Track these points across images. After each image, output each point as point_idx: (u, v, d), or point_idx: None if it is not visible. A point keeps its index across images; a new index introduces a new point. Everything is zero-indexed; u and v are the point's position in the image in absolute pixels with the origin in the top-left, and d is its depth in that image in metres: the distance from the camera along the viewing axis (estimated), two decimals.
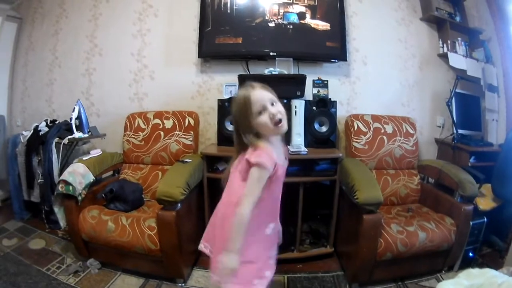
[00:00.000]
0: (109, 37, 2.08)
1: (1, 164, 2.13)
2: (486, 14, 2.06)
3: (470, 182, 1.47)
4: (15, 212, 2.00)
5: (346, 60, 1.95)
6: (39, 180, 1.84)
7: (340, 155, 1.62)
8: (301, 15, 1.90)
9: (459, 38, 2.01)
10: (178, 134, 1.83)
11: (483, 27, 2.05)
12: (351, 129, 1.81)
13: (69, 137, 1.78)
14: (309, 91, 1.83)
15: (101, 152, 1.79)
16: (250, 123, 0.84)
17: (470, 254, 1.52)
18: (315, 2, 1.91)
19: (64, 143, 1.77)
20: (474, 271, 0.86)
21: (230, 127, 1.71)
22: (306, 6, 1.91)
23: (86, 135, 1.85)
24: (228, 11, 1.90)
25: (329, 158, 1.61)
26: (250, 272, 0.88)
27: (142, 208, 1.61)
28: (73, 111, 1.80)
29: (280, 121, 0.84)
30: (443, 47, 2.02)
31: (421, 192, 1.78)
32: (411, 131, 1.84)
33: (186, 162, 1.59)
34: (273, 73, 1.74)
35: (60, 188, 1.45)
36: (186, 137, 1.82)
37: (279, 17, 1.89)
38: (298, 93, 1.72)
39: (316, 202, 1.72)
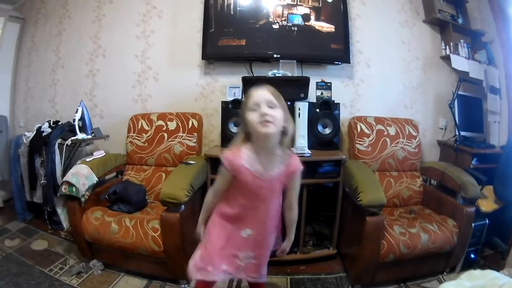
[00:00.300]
0: (113, 38, 2.08)
1: (4, 165, 2.13)
2: (488, 16, 2.07)
3: (472, 184, 1.48)
4: (17, 213, 2.00)
5: (349, 62, 1.95)
6: (42, 181, 1.84)
7: (344, 157, 1.63)
8: (306, 17, 1.89)
9: (462, 40, 2.02)
10: (182, 136, 1.83)
11: (485, 29, 2.06)
12: (354, 131, 1.81)
13: (72, 138, 1.78)
14: (313, 93, 1.83)
15: (105, 154, 1.79)
16: (244, 118, 0.87)
17: (472, 256, 1.52)
18: (319, 4, 1.90)
19: (67, 144, 1.77)
20: (476, 273, 0.86)
21: (233, 129, 1.72)
22: (310, 8, 1.90)
23: (89, 136, 1.85)
24: (232, 13, 1.89)
25: (332, 160, 1.61)
26: (207, 253, 0.95)
27: (146, 210, 1.61)
28: (76, 112, 1.80)
29: (266, 122, 0.83)
30: (445, 49, 2.02)
31: (424, 194, 1.78)
32: (414, 133, 1.85)
33: (190, 163, 1.59)
34: (277, 75, 1.75)
35: (64, 189, 1.45)
36: (190, 138, 1.83)
37: (283, 19, 1.88)
38: (302, 95, 1.73)
39: (320, 204, 1.73)
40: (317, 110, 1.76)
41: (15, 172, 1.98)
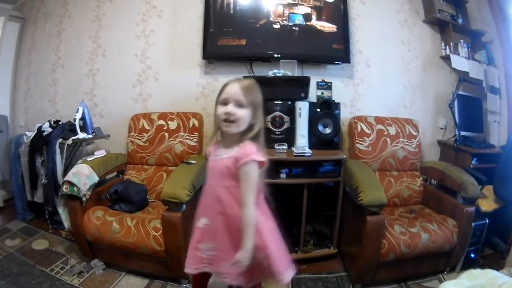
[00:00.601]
0: (113, 38, 2.07)
1: (4, 164, 2.13)
2: (488, 16, 2.07)
3: (472, 184, 1.49)
4: (18, 213, 2.00)
5: (349, 62, 1.95)
6: (43, 181, 1.84)
7: (344, 156, 1.63)
8: (307, 17, 1.88)
9: (462, 40, 2.02)
10: (183, 135, 1.83)
11: (485, 29, 2.06)
12: (354, 131, 1.81)
13: (73, 137, 1.78)
14: (313, 93, 1.84)
15: (105, 153, 1.79)
16: (215, 108, 0.92)
17: (472, 255, 1.53)
18: (320, 3, 1.89)
19: (68, 144, 1.77)
20: (476, 272, 0.87)
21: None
22: (311, 7, 1.89)
23: (90, 136, 1.85)
24: (231, 12, 1.87)
25: (333, 159, 1.62)
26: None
27: (147, 209, 1.62)
28: (77, 111, 1.80)
29: (229, 121, 0.87)
30: (445, 49, 2.02)
31: (424, 194, 1.79)
32: (414, 133, 1.85)
33: (191, 163, 1.60)
34: (277, 75, 1.75)
35: (65, 189, 1.45)
36: (191, 138, 1.83)
37: (284, 18, 1.87)
38: (302, 95, 1.73)
39: (320, 204, 1.73)
40: (318, 109, 1.76)
41: (15, 172, 1.98)
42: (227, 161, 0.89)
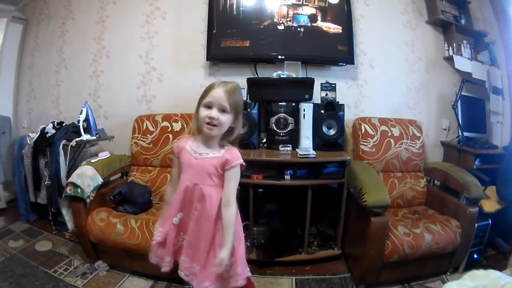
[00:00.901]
0: (117, 39, 2.08)
1: (7, 165, 2.13)
2: (490, 17, 2.07)
3: (476, 184, 1.49)
4: (21, 214, 2.00)
5: (353, 64, 1.95)
6: (46, 182, 1.84)
7: (348, 158, 1.63)
8: (313, 18, 1.86)
9: (464, 41, 2.02)
10: None
11: (487, 29, 2.07)
12: (358, 132, 1.82)
13: (77, 139, 1.78)
14: (317, 95, 1.84)
15: (109, 155, 1.79)
16: (198, 108, 0.94)
17: (475, 256, 1.53)
18: (325, 4, 1.88)
19: (71, 145, 1.77)
20: (479, 273, 0.87)
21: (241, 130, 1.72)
22: (316, 8, 1.87)
23: (94, 137, 1.85)
24: (234, 13, 1.86)
25: (337, 161, 1.62)
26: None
27: (151, 211, 1.62)
28: (81, 113, 1.80)
29: (211, 125, 0.90)
30: (448, 50, 2.03)
31: (427, 195, 1.79)
32: (418, 134, 1.85)
33: None
34: (282, 76, 1.75)
35: (69, 190, 1.45)
36: None
37: (288, 19, 1.85)
38: (307, 96, 1.73)
39: (324, 205, 1.73)
40: (322, 111, 1.76)
41: (18, 173, 1.98)
42: (215, 161, 0.93)
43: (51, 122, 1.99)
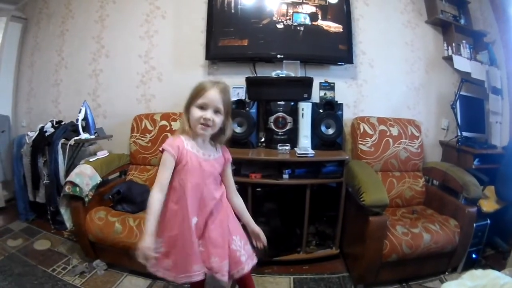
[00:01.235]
0: (116, 39, 2.08)
1: (6, 164, 2.13)
2: (490, 16, 2.07)
3: (474, 184, 1.49)
4: (20, 213, 2.00)
5: (352, 63, 1.95)
6: (45, 181, 1.84)
7: (347, 157, 1.63)
8: (314, 16, 1.84)
9: (464, 41, 2.02)
10: None
11: (487, 29, 2.07)
12: (357, 132, 1.81)
13: (75, 138, 1.78)
14: (316, 94, 1.84)
15: (108, 154, 1.79)
16: (188, 110, 0.92)
17: (474, 256, 1.53)
18: (326, 2, 1.86)
19: (70, 144, 1.77)
20: (477, 273, 0.87)
21: (237, 129, 1.72)
22: (316, 6, 1.85)
23: (93, 136, 1.85)
24: (232, 11, 1.84)
25: (335, 160, 1.62)
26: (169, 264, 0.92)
27: None
28: (80, 112, 1.80)
29: (206, 125, 0.90)
30: (448, 49, 2.03)
31: (426, 194, 1.79)
32: (416, 134, 1.85)
33: None
34: (280, 75, 1.75)
35: (67, 189, 1.45)
36: None
37: (287, 18, 1.83)
38: (305, 95, 1.73)
39: (323, 204, 1.72)
40: (321, 110, 1.76)
41: (17, 172, 1.98)
42: (220, 161, 0.97)
43: (50, 121, 2.00)
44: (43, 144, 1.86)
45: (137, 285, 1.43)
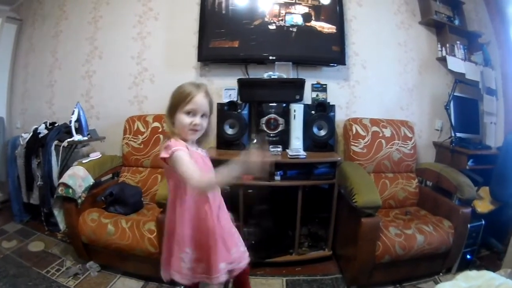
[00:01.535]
0: (109, 40, 2.08)
1: (1, 166, 2.13)
2: (485, 17, 2.07)
3: (469, 185, 1.48)
4: (14, 214, 2.00)
5: (345, 64, 1.95)
6: (39, 183, 1.84)
7: (339, 158, 1.63)
8: (307, 17, 1.82)
9: (458, 42, 2.02)
10: None
11: (482, 30, 2.06)
12: (349, 133, 1.81)
13: (69, 139, 1.78)
14: (308, 95, 1.84)
15: (101, 155, 1.79)
16: (174, 113, 0.91)
17: (468, 257, 1.52)
18: (319, 3, 1.84)
19: (63, 146, 1.77)
20: (472, 273, 0.87)
21: (229, 131, 1.72)
22: (309, 7, 1.83)
23: (86, 138, 1.85)
24: (223, 12, 1.82)
25: (327, 161, 1.62)
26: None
27: (142, 211, 1.62)
28: (73, 113, 1.80)
29: (195, 130, 0.92)
30: (441, 50, 2.02)
31: (419, 195, 1.79)
32: (410, 135, 1.85)
33: None
34: (272, 77, 1.75)
35: (60, 191, 1.46)
36: None
37: (280, 18, 1.82)
38: (297, 97, 1.73)
39: (315, 206, 1.73)
40: (313, 112, 1.76)
41: (12, 174, 1.98)
42: (208, 159, 1.01)
43: (44, 123, 1.99)
44: (37, 145, 1.86)
45: (130, 287, 1.44)
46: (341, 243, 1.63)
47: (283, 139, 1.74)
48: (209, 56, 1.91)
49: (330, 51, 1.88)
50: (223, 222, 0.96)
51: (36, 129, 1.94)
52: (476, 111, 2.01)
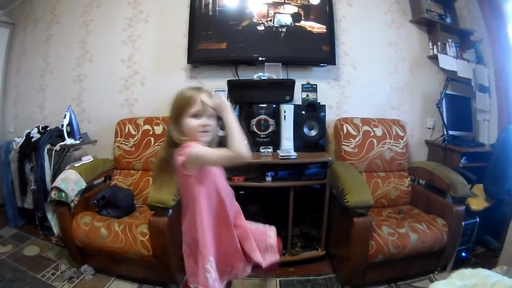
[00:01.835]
0: (100, 43, 2.07)
1: None
2: (477, 14, 2.06)
3: (462, 183, 1.48)
4: (9, 219, 2.00)
5: (335, 64, 1.94)
6: (32, 187, 1.84)
7: (330, 158, 1.63)
8: (296, 17, 1.80)
9: (450, 40, 2.01)
10: None
11: (474, 27, 2.06)
12: (340, 133, 1.81)
13: (61, 143, 1.78)
14: (298, 96, 1.83)
15: (93, 159, 1.79)
16: (180, 120, 0.88)
17: (463, 254, 1.53)
18: (308, 2, 1.82)
19: (56, 150, 1.77)
20: (467, 272, 0.87)
21: (220, 132, 1.71)
22: (299, 7, 1.80)
23: (78, 142, 1.85)
24: (210, 13, 1.79)
25: (319, 162, 1.61)
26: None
27: (134, 214, 1.62)
28: (64, 117, 1.80)
29: (206, 131, 0.90)
30: (433, 49, 2.02)
31: (412, 194, 1.79)
32: (401, 134, 1.85)
33: None
34: (262, 78, 1.74)
35: (53, 195, 1.46)
36: None
37: (268, 19, 1.79)
38: (287, 97, 1.73)
39: (307, 206, 1.73)
40: (303, 112, 1.76)
41: (5, 178, 1.98)
42: None
43: (36, 127, 1.99)
44: (30, 150, 1.86)
45: None
46: (334, 243, 1.63)
47: (274, 140, 1.74)
48: (199, 58, 1.90)
49: (320, 51, 1.87)
50: (242, 223, 0.99)
51: (29, 133, 1.94)
52: (468, 108, 2.01)
